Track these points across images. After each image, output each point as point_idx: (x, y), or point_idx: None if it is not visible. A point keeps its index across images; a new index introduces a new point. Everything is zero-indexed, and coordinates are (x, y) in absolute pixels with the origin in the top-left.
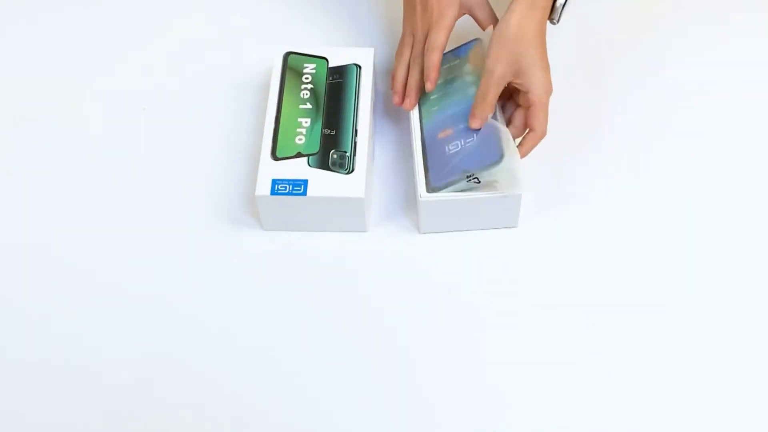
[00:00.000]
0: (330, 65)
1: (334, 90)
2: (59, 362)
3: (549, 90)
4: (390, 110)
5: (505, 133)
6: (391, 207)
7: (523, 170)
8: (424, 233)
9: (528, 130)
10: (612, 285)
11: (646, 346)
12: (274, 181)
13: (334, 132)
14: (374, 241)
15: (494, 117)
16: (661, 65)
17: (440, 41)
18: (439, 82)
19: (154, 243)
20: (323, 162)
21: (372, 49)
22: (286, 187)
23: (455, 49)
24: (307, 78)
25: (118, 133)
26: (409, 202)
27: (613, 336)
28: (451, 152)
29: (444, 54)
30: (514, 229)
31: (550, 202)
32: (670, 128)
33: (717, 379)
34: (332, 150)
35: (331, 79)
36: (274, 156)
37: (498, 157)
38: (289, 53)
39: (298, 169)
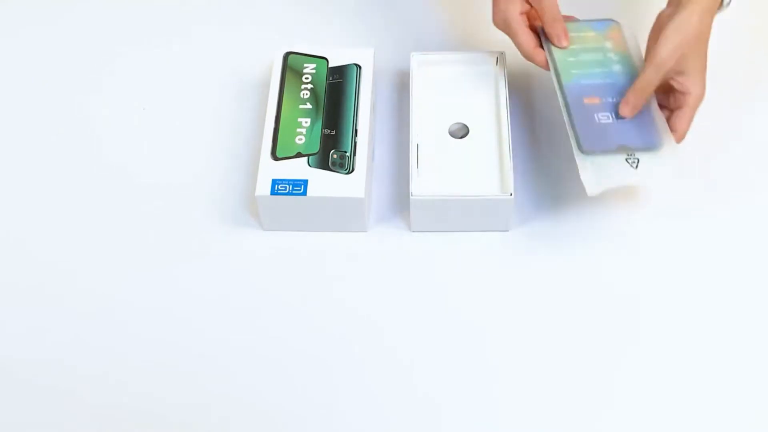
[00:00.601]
0: (330, 65)
1: (334, 90)
2: (57, 363)
3: (703, 97)
4: (390, 110)
5: (662, 119)
6: (391, 207)
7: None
8: (415, 231)
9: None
10: (603, 290)
11: (637, 352)
12: (274, 181)
13: (334, 132)
14: (374, 241)
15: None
16: None
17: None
18: (572, 46)
19: (153, 243)
20: (323, 162)
21: (372, 49)
22: (286, 187)
23: (585, 21)
24: (307, 78)
25: (118, 132)
26: (409, 203)
27: (605, 341)
28: (601, 122)
29: (570, 21)
30: (506, 232)
31: (545, 207)
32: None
33: (718, 383)
34: (332, 150)
35: (331, 79)
36: (274, 156)
37: (657, 142)
38: (289, 53)
39: (298, 169)
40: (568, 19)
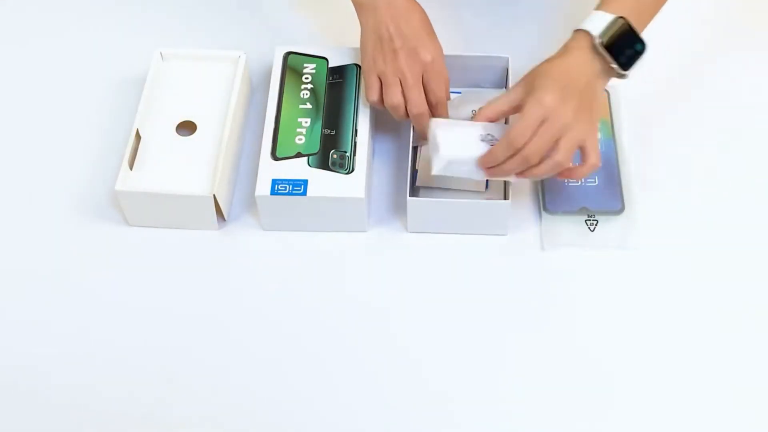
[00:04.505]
0: (330, 65)
1: (334, 90)
2: (59, 364)
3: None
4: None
5: (627, 185)
6: (391, 207)
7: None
8: (411, 232)
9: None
10: (601, 292)
11: (636, 352)
12: (274, 181)
13: (334, 132)
14: (374, 241)
15: (617, 167)
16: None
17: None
18: None
19: (153, 243)
20: (323, 162)
21: None
22: (286, 187)
23: None
24: (307, 78)
25: (116, 131)
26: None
27: (603, 342)
28: (569, 184)
29: None
30: (503, 236)
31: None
32: (670, 137)
33: (720, 384)
34: (332, 150)
35: (331, 79)
36: (274, 156)
37: (619, 207)
38: (289, 53)
39: (298, 169)
40: None
